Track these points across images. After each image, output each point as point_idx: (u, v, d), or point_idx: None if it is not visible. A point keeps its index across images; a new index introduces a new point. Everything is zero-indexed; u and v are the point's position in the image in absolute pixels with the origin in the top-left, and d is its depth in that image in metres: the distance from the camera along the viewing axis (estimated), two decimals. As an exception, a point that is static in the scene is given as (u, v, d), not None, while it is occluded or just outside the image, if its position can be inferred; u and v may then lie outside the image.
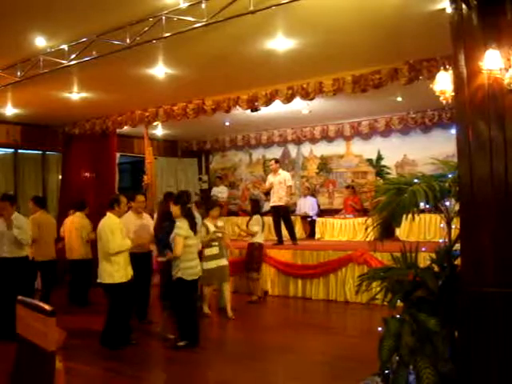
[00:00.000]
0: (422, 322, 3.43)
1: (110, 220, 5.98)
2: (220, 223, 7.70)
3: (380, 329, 3.64)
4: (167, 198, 6.85)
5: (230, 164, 14.81)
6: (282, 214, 9.98)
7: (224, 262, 7.50)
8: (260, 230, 8.54)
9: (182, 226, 5.85)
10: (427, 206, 3.77)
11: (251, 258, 8.55)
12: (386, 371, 3.59)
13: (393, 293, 3.76)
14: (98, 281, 5.96)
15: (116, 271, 5.86)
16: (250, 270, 8.57)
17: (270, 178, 10.27)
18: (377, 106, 10.18)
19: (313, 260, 8.82)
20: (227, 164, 14.86)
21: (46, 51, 6.12)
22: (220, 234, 7.51)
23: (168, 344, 6.03)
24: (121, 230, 5.99)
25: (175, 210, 5.96)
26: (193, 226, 5.98)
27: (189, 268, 5.89)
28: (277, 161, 10.61)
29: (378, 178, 11.97)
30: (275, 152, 13.84)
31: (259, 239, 8.59)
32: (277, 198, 9.93)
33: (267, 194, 12.96)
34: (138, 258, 6.63)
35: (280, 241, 9.87)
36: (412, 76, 6.92)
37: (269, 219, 11.89)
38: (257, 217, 8.56)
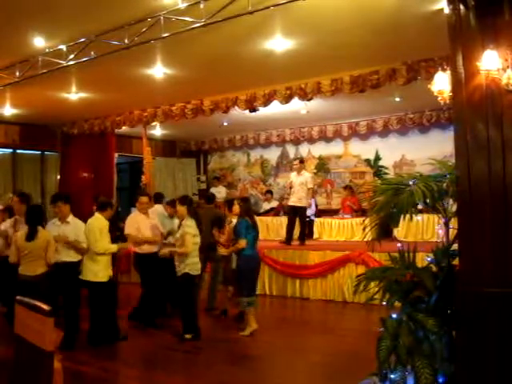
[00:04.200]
0: (420, 321, 3.43)
1: (99, 221, 6.01)
2: None
3: (378, 329, 3.64)
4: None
5: (228, 164, 14.82)
6: (299, 215, 9.84)
7: None
8: None
9: (191, 225, 6.18)
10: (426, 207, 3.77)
11: None
12: (384, 371, 3.58)
13: (391, 293, 3.75)
14: (83, 278, 5.94)
15: (99, 270, 5.91)
16: None
17: (293, 178, 9.93)
18: (375, 107, 10.19)
19: (311, 260, 8.82)
20: (225, 164, 14.87)
21: (44, 51, 6.13)
22: None
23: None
24: (107, 233, 6.00)
25: (182, 210, 6.27)
26: (198, 225, 6.30)
27: (195, 263, 6.23)
28: (301, 161, 10.29)
29: (376, 179, 11.95)
30: (273, 152, 13.87)
31: None
32: (296, 199, 9.69)
33: (267, 193, 13.05)
34: (155, 259, 6.76)
35: (289, 241, 9.76)
36: (410, 76, 6.93)
37: (267, 219, 11.95)
38: None
